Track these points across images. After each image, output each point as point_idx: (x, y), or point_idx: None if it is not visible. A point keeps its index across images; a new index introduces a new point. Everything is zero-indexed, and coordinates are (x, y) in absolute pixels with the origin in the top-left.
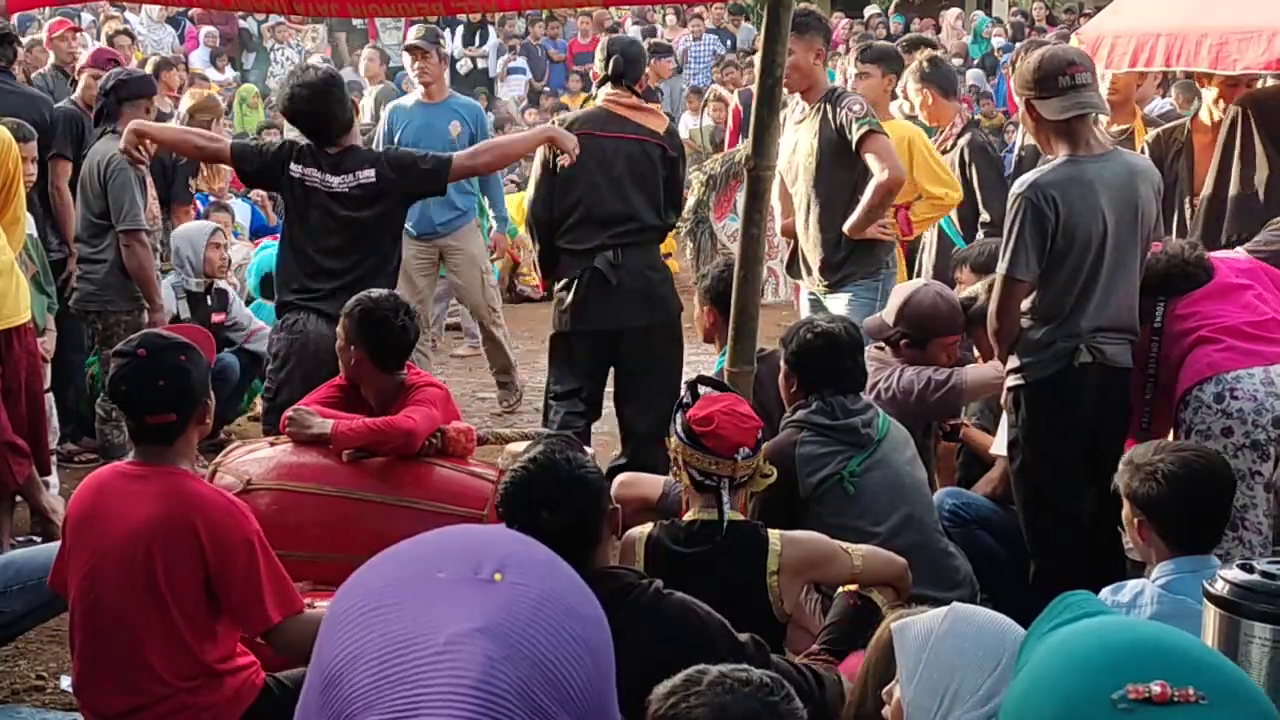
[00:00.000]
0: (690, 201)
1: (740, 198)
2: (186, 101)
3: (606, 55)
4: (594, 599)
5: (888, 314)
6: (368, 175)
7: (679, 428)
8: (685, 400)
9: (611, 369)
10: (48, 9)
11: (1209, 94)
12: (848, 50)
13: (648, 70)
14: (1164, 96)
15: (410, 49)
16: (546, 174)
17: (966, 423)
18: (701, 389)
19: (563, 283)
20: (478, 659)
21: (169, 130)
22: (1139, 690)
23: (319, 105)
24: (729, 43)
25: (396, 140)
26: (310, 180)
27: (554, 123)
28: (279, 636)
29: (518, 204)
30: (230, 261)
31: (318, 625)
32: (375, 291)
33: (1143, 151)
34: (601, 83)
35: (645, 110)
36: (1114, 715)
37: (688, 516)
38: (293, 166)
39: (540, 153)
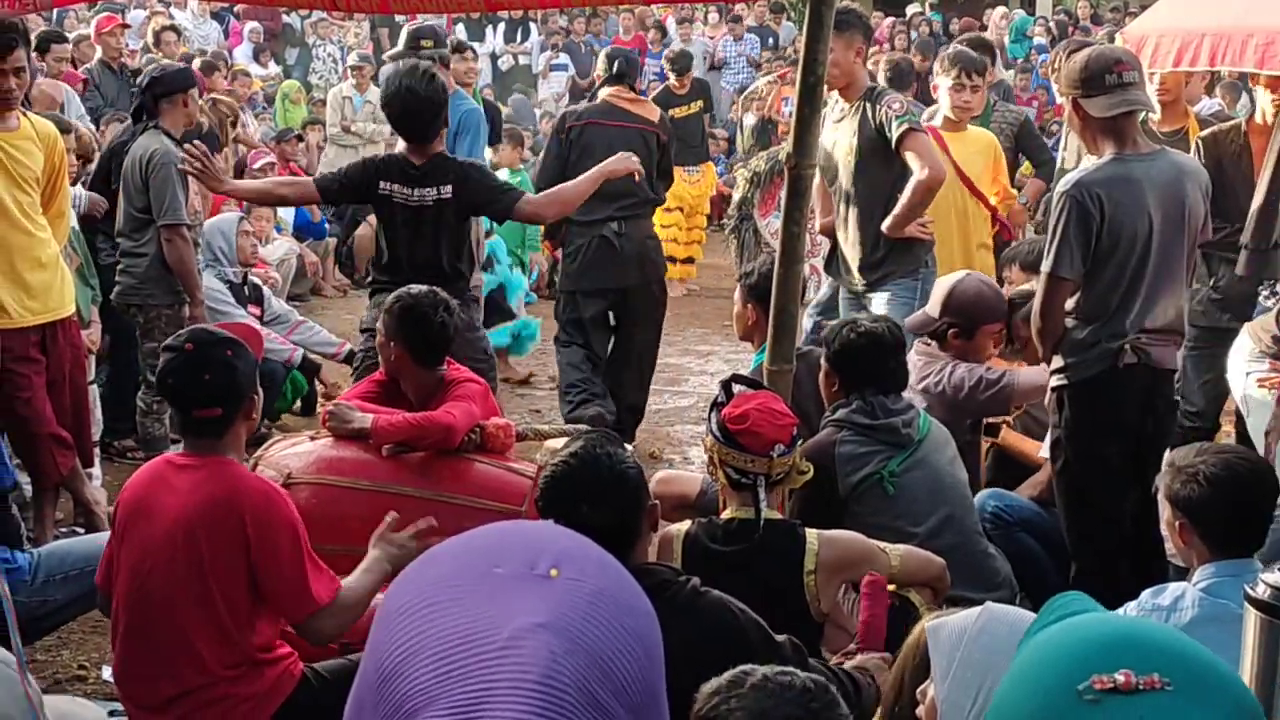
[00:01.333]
0: (735, 198)
1: (783, 195)
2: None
3: (609, 60)
4: (643, 594)
5: (932, 306)
6: (446, 191)
7: (714, 426)
8: (720, 399)
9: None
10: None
11: (1264, 95)
12: (893, 48)
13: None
14: (1211, 97)
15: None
16: (560, 154)
17: (1008, 422)
18: (736, 387)
19: (573, 247)
20: (541, 654)
21: (252, 186)
22: (1104, 681)
23: (420, 108)
24: (770, 41)
25: None
26: (397, 196)
27: (567, 114)
28: (315, 624)
29: None
30: (258, 253)
31: (352, 615)
32: (415, 288)
33: (1195, 151)
34: (605, 83)
35: (641, 103)
36: (1081, 706)
37: (725, 515)
38: (381, 184)
39: (551, 135)
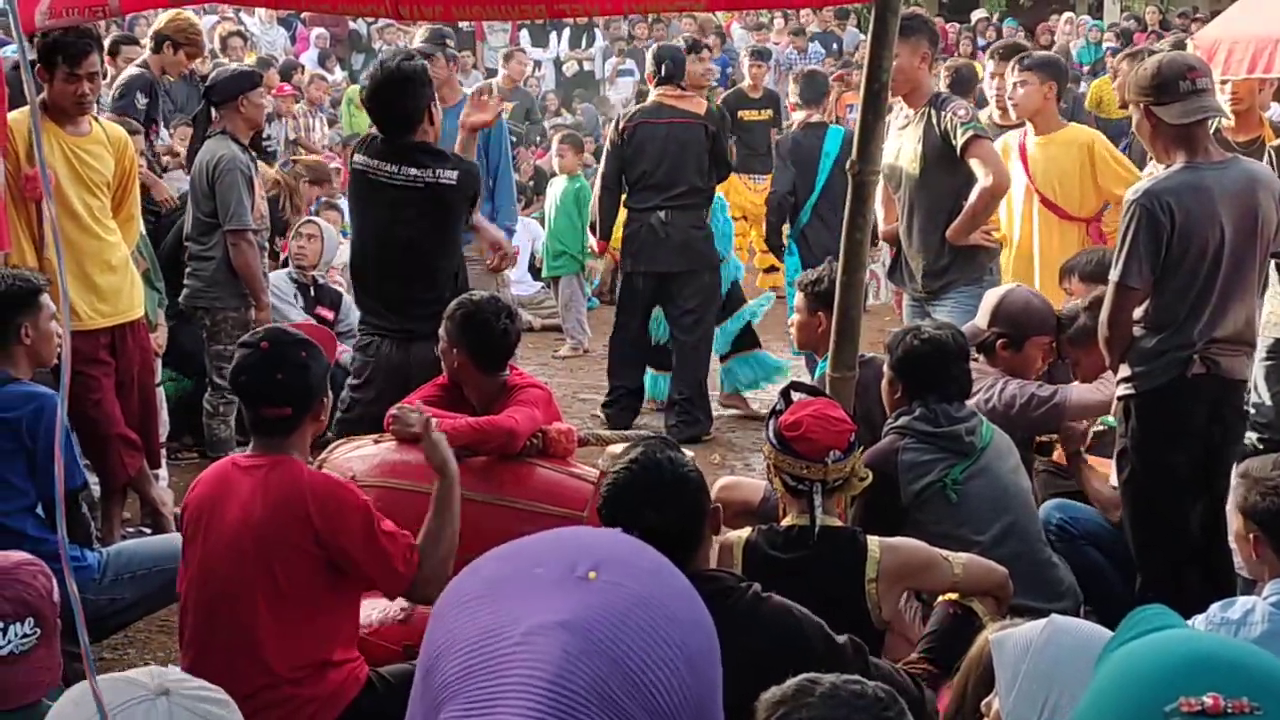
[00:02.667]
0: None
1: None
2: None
3: (657, 61)
4: (703, 608)
5: (981, 317)
6: (449, 176)
7: (771, 434)
8: (778, 407)
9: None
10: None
11: None
12: (958, 54)
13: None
14: None
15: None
16: (616, 153)
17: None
18: (795, 395)
19: (628, 233)
20: (554, 653)
21: None
22: (1191, 704)
23: (390, 93)
24: (835, 47)
25: None
26: (375, 173)
27: (620, 116)
28: (418, 591)
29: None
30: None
31: (434, 555)
32: (476, 294)
33: (1269, 159)
34: (656, 83)
35: (688, 98)
36: None
37: (785, 522)
38: (357, 158)
39: (610, 136)
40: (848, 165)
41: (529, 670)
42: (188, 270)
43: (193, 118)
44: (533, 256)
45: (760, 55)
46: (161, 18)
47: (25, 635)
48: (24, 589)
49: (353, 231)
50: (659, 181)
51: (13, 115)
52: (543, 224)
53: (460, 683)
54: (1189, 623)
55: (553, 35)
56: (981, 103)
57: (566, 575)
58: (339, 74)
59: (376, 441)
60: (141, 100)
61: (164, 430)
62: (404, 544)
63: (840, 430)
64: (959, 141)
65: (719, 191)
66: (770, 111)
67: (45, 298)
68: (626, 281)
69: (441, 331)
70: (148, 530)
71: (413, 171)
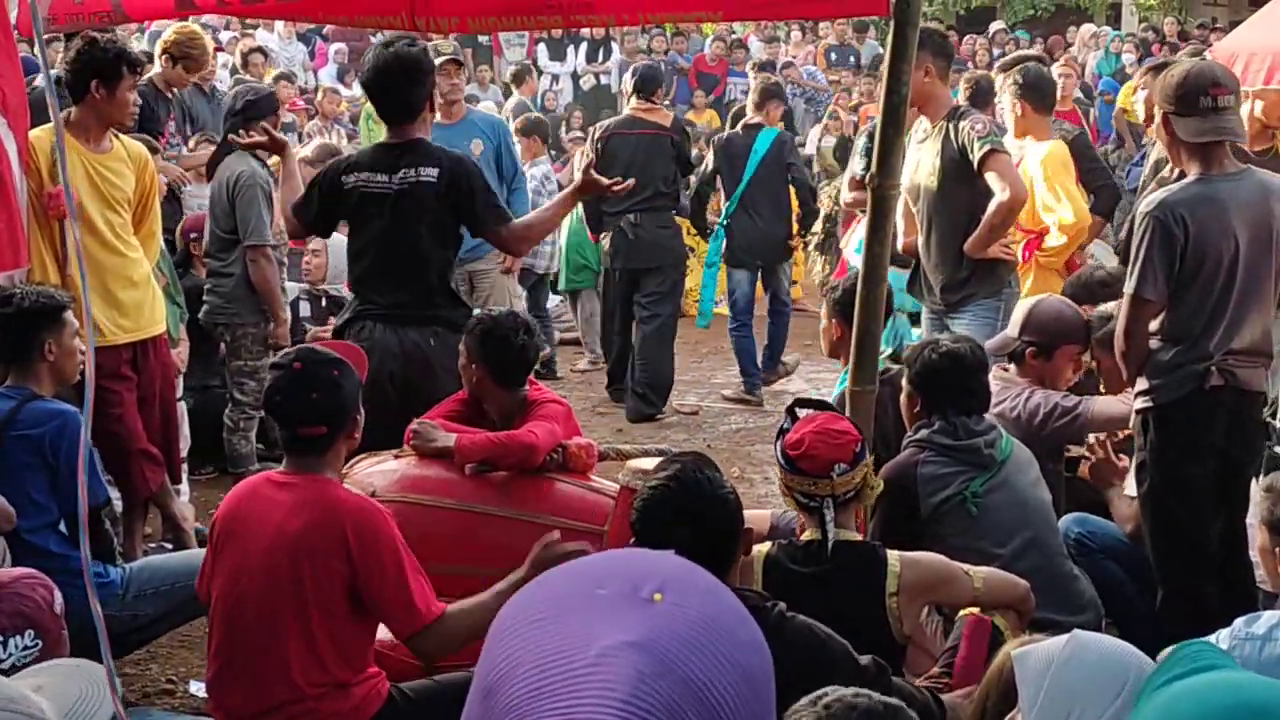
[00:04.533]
0: (819, 216)
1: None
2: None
3: (633, 75)
4: (756, 628)
5: (1013, 326)
6: (429, 173)
7: (778, 454)
8: (784, 425)
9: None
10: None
11: None
12: (975, 67)
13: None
14: None
15: (451, 63)
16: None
17: (1087, 455)
18: (800, 411)
19: (607, 236)
20: (628, 673)
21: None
22: None
23: (388, 79)
24: (851, 60)
25: None
26: (368, 186)
27: (593, 131)
28: (426, 639)
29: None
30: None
31: (460, 626)
32: (495, 310)
33: None
34: (630, 95)
35: (656, 110)
36: None
37: (804, 536)
38: (346, 179)
39: (588, 150)
40: (867, 179)
41: (603, 691)
42: (206, 286)
43: (223, 136)
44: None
45: (766, 68)
46: (167, 30)
47: (27, 648)
48: (22, 601)
49: (355, 246)
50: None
51: (34, 133)
52: (559, 236)
53: (530, 703)
54: (1213, 638)
55: (570, 49)
56: None
57: (631, 596)
58: (357, 89)
59: (397, 457)
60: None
61: (185, 445)
62: (425, 594)
63: (843, 443)
64: (976, 155)
65: None
66: (781, 125)
67: (68, 314)
68: (606, 277)
69: (461, 346)
70: (169, 545)
71: (402, 174)
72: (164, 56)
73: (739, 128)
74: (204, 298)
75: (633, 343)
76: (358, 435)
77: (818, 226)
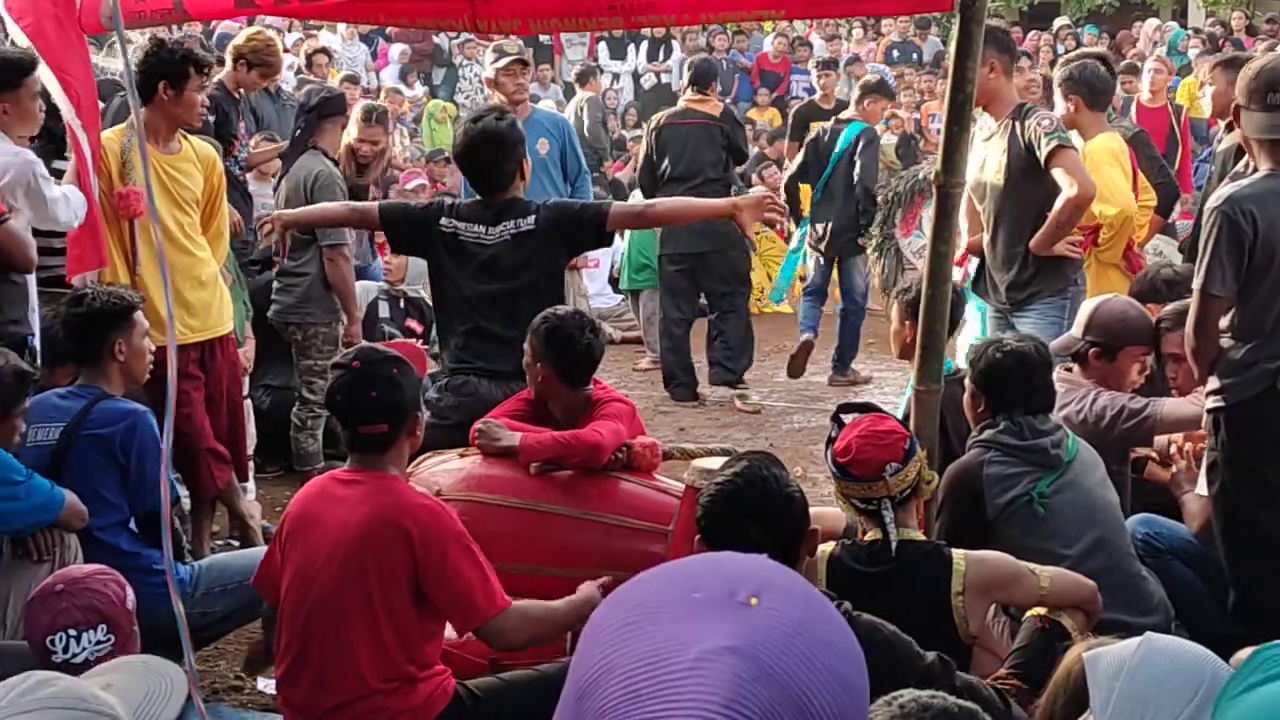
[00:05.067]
0: (876, 218)
1: (926, 214)
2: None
3: (690, 69)
4: (851, 635)
5: (1077, 326)
6: (527, 223)
7: (829, 463)
8: (831, 434)
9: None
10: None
11: None
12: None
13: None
14: None
15: (517, 63)
16: (649, 152)
17: (1152, 456)
18: (845, 417)
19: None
20: (726, 677)
21: (312, 212)
22: None
23: (483, 154)
24: (914, 56)
25: None
26: (465, 234)
27: (648, 121)
28: (490, 630)
29: None
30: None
31: (527, 619)
32: (561, 309)
33: None
34: (686, 88)
35: (709, 102)
36: None
37: (868, 536)
38: (444, 221)
39: (645, 141)
40: (933, 177)
41: (701, 695)
42: (277, 286)
43: (298, 129)
44: (612, 268)
45: (829, 66)
46: (240, 35)
47: (99, 643)
48: (95, 597)
49: (440, 287)
50: (681, 174)
51: (104, 134)
52: (621, 236)
53: (626, 705)
54: None
55: (630, 48)
56: None
57: (727, 600)
58: (419, 89)
59: (462, 456)
60: (209, 118)
61: (251, 444)
62: (489, 588)
63: (891, 442)
64: (1043, 152)
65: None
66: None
67: (139, 314)
68: (660, 264)
69: (525, 346)
70: (236, 543)
71: (499, 227)
72: (239, 61)
73: (832, 121)
74: (274, 297)
75: (712, 328)
76: (420, 434)
77: (874, 228)
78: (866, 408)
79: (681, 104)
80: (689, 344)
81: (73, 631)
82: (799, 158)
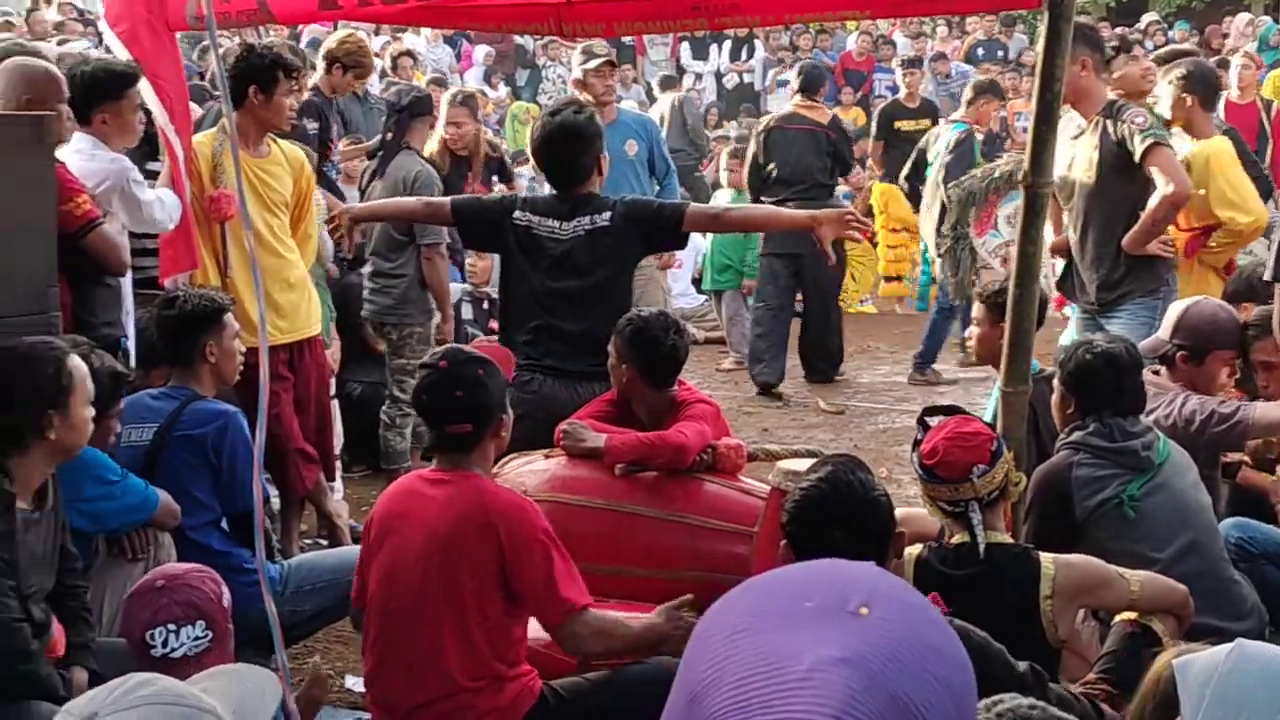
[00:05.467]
0: (949, 218)
1: (1000, 212)
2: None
3: (798, 74)
4: (959, 643)
5: (1164, 328)
6: (603, 219)
7: (916, 466)
8: (917, 437)
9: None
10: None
11: None
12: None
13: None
14: None
15: (606, 64)
16: (755, 156)
17: (1246, 461)
18: (930, 420)
19: None
20: (839, 688)
21: (385, 206)
22: None
23: (560, 147)
24: (1000, 54)
25: None
26: (539, 229)
27: (756, 124)
28: (569, 630)
29: None
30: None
31: (601, 628)
32: (645, 310)
33: None
34: (795, 94)
35: (816, 108)
36: None
37: (955, 539)
38: (517, 214)
39: (753, 143)
40: (1020, 177)
41: (814, 705)
42: (374, 286)
43: (389, 128)
44: (695, 269)
45: (913, 64)
46: (331, 39)
47: (197, 638)
48: (194, 593)
49: (510, 282)
50: (786, 177)
51: (196, 138)
52: (704, 237)
53: (738, 713)
54: None
55: (713, 48)
56: None
57: (838, 609)
58: (503, 90)
59: (547, 456)
60: (311, 125)
61: (338, 443)
62: (572, 586)
63: (978, 444)
64: (1138, 149)
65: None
66: (927, 121)
67: (229, 316)
68: (764, 264)
69: (610, 347)
70: (324, 542)
71: (574, 222)
72: (334, 64)
73: (944, 120)
74: (371, 297)
75: (806, 329)
76: (505, 435)
77: (946, 228)
78: (951, 410)
79: (789, 108)
80: (784, 332)
81: (172, 626)
82: (911, 159)
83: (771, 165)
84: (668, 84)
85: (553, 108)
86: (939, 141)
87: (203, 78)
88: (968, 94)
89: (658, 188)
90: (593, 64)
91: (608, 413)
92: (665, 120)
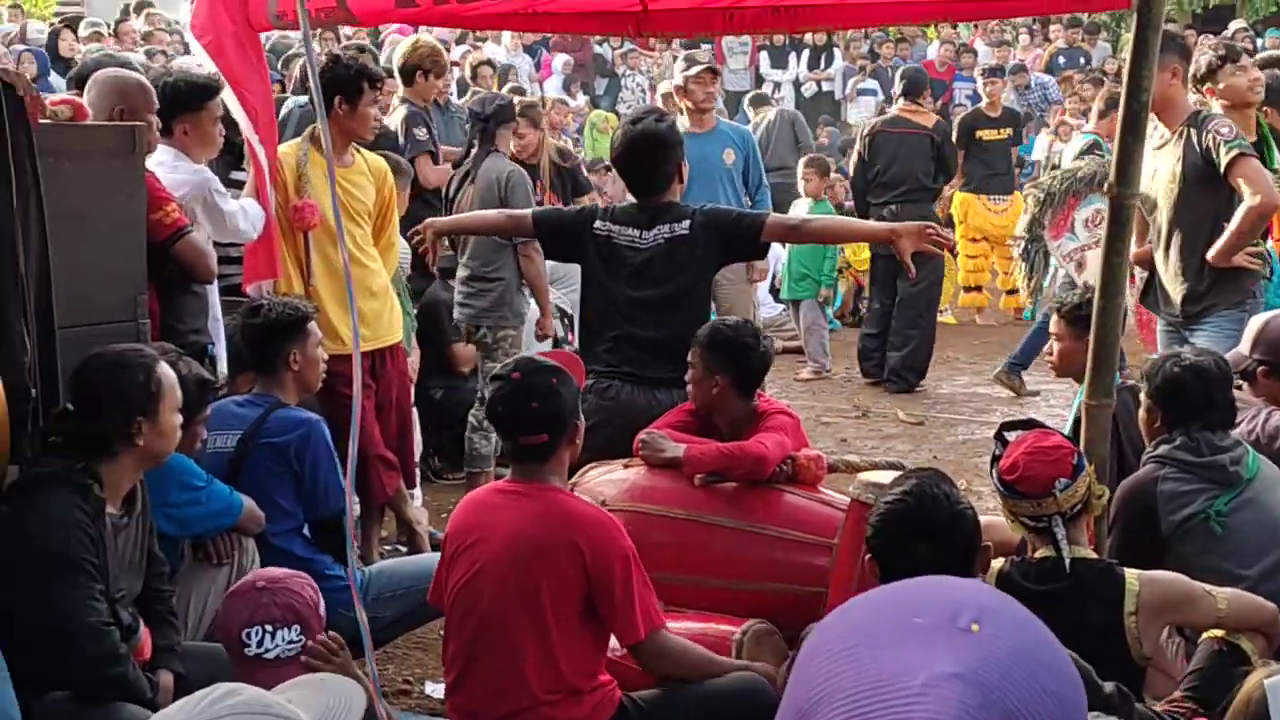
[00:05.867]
0: (1024, 220)
1: (1077, 216)
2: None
3: (902, 79)
4: (1069, 659)
5: (1245, 342)
6: (682, 228)
7: (996, 483)
8: (996, 453)
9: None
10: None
11: None
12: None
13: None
14: None
15: (708, 71)
16: (861, 157)
17: None
18: (1009, 435)
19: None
20: (952, 704)
21: (469, 219)
22: None
23: (642, 155)
24: (1081, 61)
25: None
26: (619, 238)
27: (861, 127)
28: (645, 650)
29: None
30: None
31: (678, 648)
32: (728, 320)
33: None
34: (899, 97)
35: (921, 112)
36: None
37: (1038, 554)
38: (598, 224)
39: (857, 146)
40: (1105, 189)
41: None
42: (468, 290)
43: (476, 134)
44: (773, 279)
45: (995, 73)
46: (399, 53)
47: (292, 641)
48: (293, 597)
49: (590, 292)
50: (889, 180)
51: (281, 148)
52: (782, 246)
53: None
54: None
55: (791, 56)
56: None
57: (948, 625)
58: (581, 99)
59: (626, 466)
60: (423, 133)
61: (418, 450)
62: (649, 607)
63: (1059, 458)
64: (1222, 160)
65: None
66: (1009, 130)
67: (313, 325)
68: (874, 265)
69: (692, 359)
70: (403, 549)
71: (654, 231)
72: (417, 72)
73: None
74: (465, 301)
75: (894, 337)
76: (579, 442)
77: (1022, 230)
78: (1029, 424)
79: (894, 112)
80: (891, 327)
81: (269, 627)
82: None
83: (876, 168)
84: (759, 102)
85: (634, 116)
86: (1065, 150)
87: (283, 88)
88: (1099, 105)
89: (749, 201)
90: (694, 70)
91: (687, 422)
92: (772, 133)
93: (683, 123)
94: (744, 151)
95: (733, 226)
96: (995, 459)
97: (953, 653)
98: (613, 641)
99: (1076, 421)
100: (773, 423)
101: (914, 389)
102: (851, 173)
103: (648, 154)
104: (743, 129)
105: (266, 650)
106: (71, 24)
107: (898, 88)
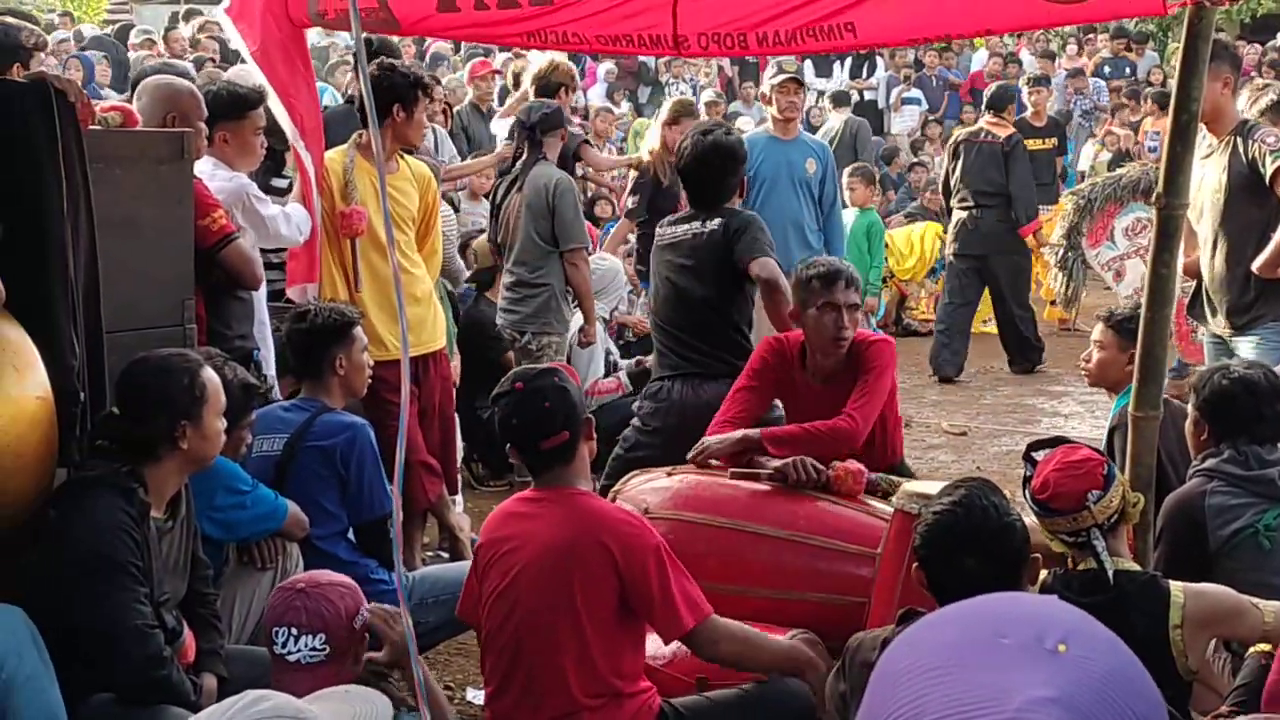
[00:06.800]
0: (1060, 227)
1: (1117, 224)
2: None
3: (988, 94)
4: (1152, 681)
5: None
6: (712, 223)
7: (1029, 502)
8: (1026, 474)
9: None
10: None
11: None
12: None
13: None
14: None
15: (791, 80)
16: (946, 168)
17: None
18: (1036, 455)
19: (953, 225)
20: None
21: None
22: None
23: (713, 166)
24: (1127, 71)
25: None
26: (662, 240)
27: (954, 137)
28: (696, 640)
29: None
30: None
31: (732, 633)
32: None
33: None
34: (985, 110)
35: (1002, 124)
36: None
37: (1080, 565)
38: (659, 229)
39: (945, 156)
40: (1154, 199)
41: None
42: (514, 296)
43: (524, 141)
44: None
45: (1040, 82)
46: (537, 69)
47: (315, 649)
48: (325, 605)
49: (654, 300)
50: (972, 187)
51: (328, 154)
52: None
53: None
54: None
55: (835, 65)
56: None
57: (1036, 646)
58: (625, 106)
59: (669, 474)
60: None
61: (459, 456)
62: (691, 598)
63: (1089, 470)
64: (1269, 170)
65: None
66: (1054, 140)
67: (358, 330)
68: (950, 265)
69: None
70: (445, 555)
71: (688, 226)
72: (560, 89)
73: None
74: (511, 306)
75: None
76: (594, 436)
77: (1059, 236)
78: (1056, 441)
79: (980, 124)
80: (964, 327)
81: (294, 630)
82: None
83: (959, 175)
84: (840, 100)
85: (704, 126)
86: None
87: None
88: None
89: (821, 214)
90: (779, 79)
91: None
92: (834, 141)
93: (764, 128)
94: (824, 163)
95: (735, 246)
96: (1026, 480)
97: (1045, 675)
98: (650, 648)
99: (1110, 432)
100: (872, 361)
101: (1035, 370)
102: (940, 183)
103: (719, 165)
104: (823, 144)
105: (289, 653)
106: (122, 32)
107: (985, 100)
